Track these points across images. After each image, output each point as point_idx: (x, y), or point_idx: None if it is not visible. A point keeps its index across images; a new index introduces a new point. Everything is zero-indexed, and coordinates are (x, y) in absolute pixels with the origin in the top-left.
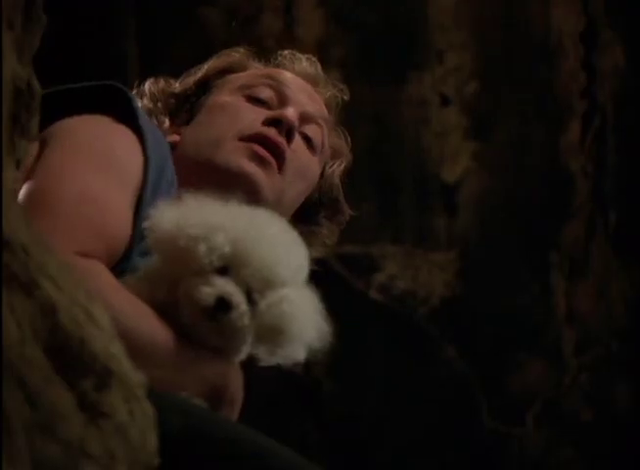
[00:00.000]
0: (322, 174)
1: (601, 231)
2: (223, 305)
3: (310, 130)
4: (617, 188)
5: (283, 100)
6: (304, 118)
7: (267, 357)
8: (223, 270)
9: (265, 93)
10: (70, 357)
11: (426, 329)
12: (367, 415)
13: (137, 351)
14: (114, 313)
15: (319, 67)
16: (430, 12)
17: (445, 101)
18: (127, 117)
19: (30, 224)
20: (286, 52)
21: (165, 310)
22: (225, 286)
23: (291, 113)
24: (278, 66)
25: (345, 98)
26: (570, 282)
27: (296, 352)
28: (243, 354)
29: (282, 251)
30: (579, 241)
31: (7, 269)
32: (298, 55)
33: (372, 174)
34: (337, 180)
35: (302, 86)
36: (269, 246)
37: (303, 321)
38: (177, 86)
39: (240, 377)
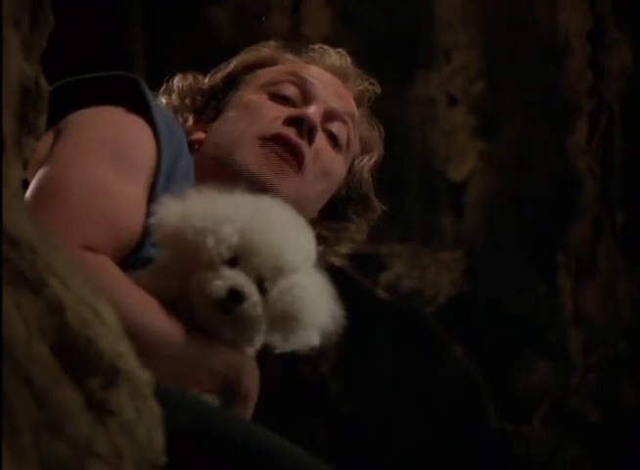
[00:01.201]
0: (350, 170)
1: (608, 231)
2: (235, 296)
3: (335, 127)
4: (624, 188)
5: (307, 97)
6: (329, 116)
7: (281, 344)
8: (233, 261)
9: (289, 90)
10: (77, 356)
11: (432, 328)
12: (374, 414)
13: (146, 345)
14: (123, 308)
15: (349, 60)
16: (437, 11)
17: (452, 100)
18: (140, 106)
19: (38, 222)
20: (316, 46)
21: (176, 304)
22: (236, 277)
23: (312, 111)
24: (307, 60)
25: (377, 91)
26: (576, 282)
27: (309, 337)
28: (257, 345)
29: (290, 237)
30: (586, 241)
31: (13, 267)
32: (329, 49)
33: (379, 173)
34: (366, 175)
35: (330, 81)
36: (277, 233)
37: (316, 306)
38: (205, 82)
39: (255, 370)
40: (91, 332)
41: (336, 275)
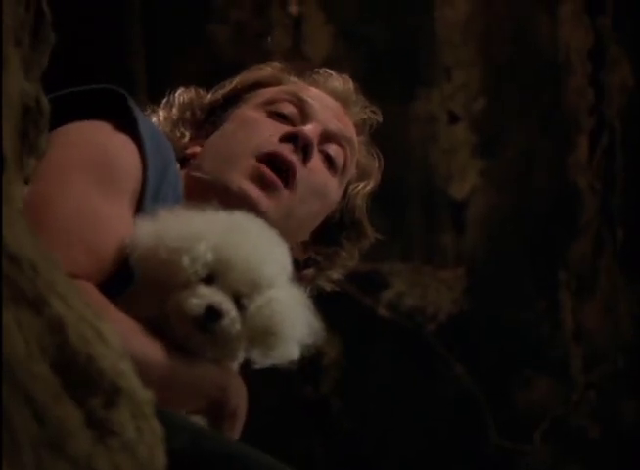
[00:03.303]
0: (345, 195)
1: (608, 248)
2: (213, 314)
3: (332, 150)
4: (624, 205)
5: (305, 117)
6: (326, 137)
7: (261, 360)
8: (209, 279)
9: (288, 109)
10: (78, 375)
11: (433, 346)
12: (374, 431)
13: None
14: None
15: (352, 86)
16: (437, 28)
17: (453, 118)
18: (127, 121)
19: (39, 241)
20: (321, 70)
21: (156, 326)
22: (213, 295)
23: (309, 130)
24: (310, 83)
25: (379, 120)
26: (577, 299)
27: (289, 351)
28: (239, 359)
29: (265, 252)
30: (587, 258)
31: (14, 285)
32: (333, 74)
33: (379, 191)
34: (360, 202)
35: (330, 104)
36: (251, 248)
37: (294, 320)
38: (207, 98)
39: (242, 388)
40: (92, 351)
41: (337, 293)
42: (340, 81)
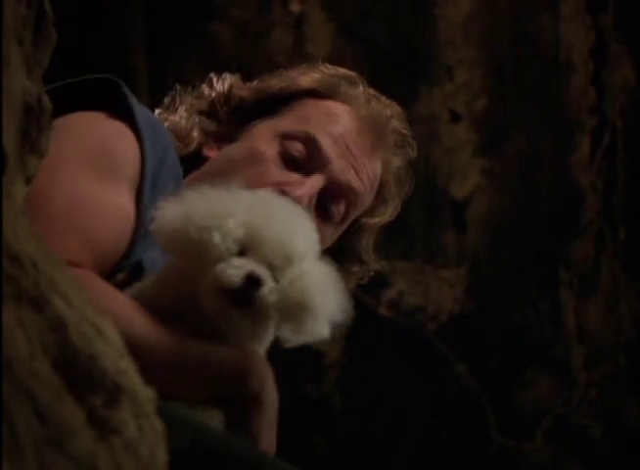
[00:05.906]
0: (351, 227)
1: (610, 247)
2: (253, 282)
3: (333, 201)
4: (626, 204)
5: (313, 165)
6: (330, 188)
7: (292, 336)
8: (241, 254)
9: (299, 153)
10: (80, 373)
11: (435, 345)
12: (376, 431)
13: (137, 354)
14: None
15: (393, 115)
16: (439, 27)
17: (455, 117)
18: (123, 110)
19: (41, 239)
20: (360, 91)
21: (184, 311)
22: (249, 264)
23: (304, 191)
24: (345, 100)
25: (413, 155)
26: (579, 298)
27: (320, 327)
28: (268, 341)
29: (294, 225)
30: (589, 257)
31: (16, 284)
32: (375, 97)
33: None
34: (366, 236)
35: (353, 145)
36: (281, 222)
37: (325, 294)
38: (239, 93)
39: (266, 372)
40: (94, 349)
41: None
42: (380, 108)
